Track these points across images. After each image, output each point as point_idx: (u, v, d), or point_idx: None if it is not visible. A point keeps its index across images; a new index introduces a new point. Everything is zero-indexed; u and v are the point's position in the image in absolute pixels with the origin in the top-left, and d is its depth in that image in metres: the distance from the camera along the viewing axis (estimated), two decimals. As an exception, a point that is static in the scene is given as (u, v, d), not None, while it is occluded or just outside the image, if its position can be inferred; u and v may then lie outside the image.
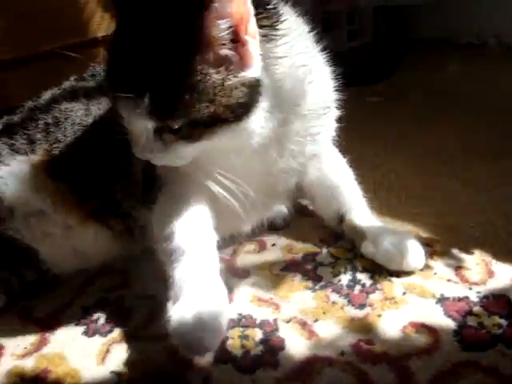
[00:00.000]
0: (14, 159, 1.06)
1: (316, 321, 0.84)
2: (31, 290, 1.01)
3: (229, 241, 1.03)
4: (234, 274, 0.96)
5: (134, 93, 0.75)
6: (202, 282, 0.81)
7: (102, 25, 1.47)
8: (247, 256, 1.01)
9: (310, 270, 0.95)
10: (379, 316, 0.84)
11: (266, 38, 0.81)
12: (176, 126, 0.77)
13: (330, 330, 0.83)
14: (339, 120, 1.00)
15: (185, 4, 0.75)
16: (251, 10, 0.75)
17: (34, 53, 1.39)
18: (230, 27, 0.75)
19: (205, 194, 0.90)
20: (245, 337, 0.83)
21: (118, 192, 1.00)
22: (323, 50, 0.96)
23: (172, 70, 0.74)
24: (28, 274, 1.02)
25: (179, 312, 0.77)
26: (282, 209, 1.08)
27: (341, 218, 1.02)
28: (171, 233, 0.86)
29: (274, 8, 0.83)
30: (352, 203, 1.03)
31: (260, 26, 0.79)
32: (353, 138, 1.06)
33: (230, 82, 0.77)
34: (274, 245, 1.03)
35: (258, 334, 0.83)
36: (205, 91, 0.75)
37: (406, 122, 1.51)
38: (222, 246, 0.94)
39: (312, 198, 1.08)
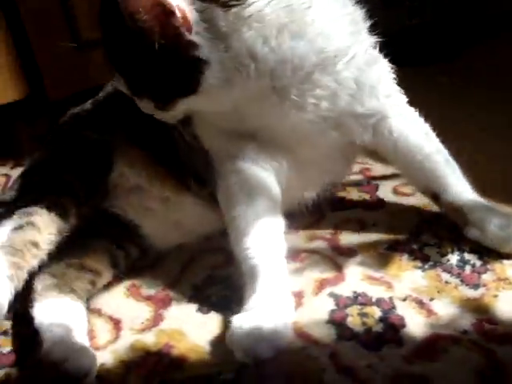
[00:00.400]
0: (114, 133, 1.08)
1: (432, 300, 0.85)
2: (136, 265, 1.05)
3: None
4: (339, 253, 0.98)
5: (115, 71, 0.89)
6: (267, 298, 0.83)
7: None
8: (349, 235, 1.02)
9: (416, 250, 0.95)
10: (495, 296, 0.84)
11: (228, 6, 0.80)
12: (144, 99, 0.89)
13: (447, 308, 0.83)
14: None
15: None
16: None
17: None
18: (153, 18, 0.78)
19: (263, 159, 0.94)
20: (364, 314, 0.84)
21: (184, 157, 1.02)
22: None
23: (125, 58, 0.85)
24: (132, 250, 1.05)
25: (240, 321, 0.80)
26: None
27: (435, 196, 0.99)
28: (245, 249, 0.88)
29: None
30: (445, 178, 0.97)
31: None
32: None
33: (174, 66, 0.82)
34: (374, 224, 1.04)
35: (376, 312, 0.84)
36: (154, 76, 0.84)
37: (477, 103, 1.49)
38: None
39: (400, 169, 1.04)
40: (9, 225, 0.95)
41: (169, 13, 0.78)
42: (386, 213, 1.07)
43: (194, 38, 0.80)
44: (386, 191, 1.13)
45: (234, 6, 0.81)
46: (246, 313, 0.81)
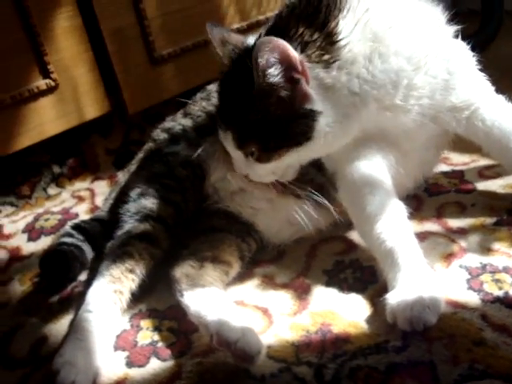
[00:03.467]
0: (205, 141, 1.17)
1: (551, 263, 0.97)
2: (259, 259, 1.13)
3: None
4: (452, 232, 1.08)
5: (224, 129, 1.01)
6: (415, 272, 0.91)
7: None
8: (454, 216, 1.12)
9: (521, 223, 1.06)
10: None
11: (329, 64, 0.94)
12: (249, 153, 0.99)
13: None
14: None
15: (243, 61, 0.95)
16: (295, 54, 0.91)
17: (184, 46, 1.48)
18: (281, 72, 0.91)
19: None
20: (497, 280, 0.94)
21: None
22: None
23: (243, 112, 0.97)
24: (252, 244, 1.14)
25: (399, 296, 0.88)
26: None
27: None
28: (378, 234, 0.96)
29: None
30: None
31: (319, 55, 0.93)
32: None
33: (289, 117, 0.94)
34: (473, 205, 1.14)
35: (506, 278, 0.94)
36: (268, 126, 0.95)
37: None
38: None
39: (493, 154, 1.11)
40: (110, 256, 1.07)
41: (294, 67, 0.91)
42: (480, 194, 1.17)
43: (309, 90, 0.92)
44: (472, 176, 1.23)
45: (334, 62, 0.94)
46: (401, 288, 0.90)
